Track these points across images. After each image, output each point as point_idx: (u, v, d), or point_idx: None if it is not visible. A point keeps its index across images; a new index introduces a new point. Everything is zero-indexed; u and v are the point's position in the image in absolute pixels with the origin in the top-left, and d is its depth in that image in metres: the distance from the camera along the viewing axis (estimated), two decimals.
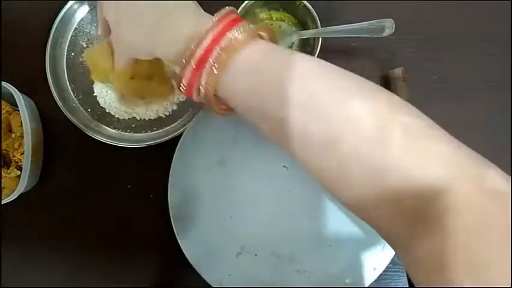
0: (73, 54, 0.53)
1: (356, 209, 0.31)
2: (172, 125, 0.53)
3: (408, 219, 0.27)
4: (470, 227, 0.23)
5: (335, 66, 0.32)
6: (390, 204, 0.28)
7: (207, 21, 0.33)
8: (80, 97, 0.53)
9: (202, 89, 0.33)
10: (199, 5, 0.40)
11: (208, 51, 0.32)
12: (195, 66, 0.32)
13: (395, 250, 0.30)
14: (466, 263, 0.22)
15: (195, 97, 0.35)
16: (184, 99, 0.53)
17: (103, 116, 0.53)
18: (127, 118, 0.53)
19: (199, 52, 0.32)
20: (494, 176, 0.26)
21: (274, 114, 0.31)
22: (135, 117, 0.53)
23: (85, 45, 0.54)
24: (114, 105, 0.53)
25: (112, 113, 0.53)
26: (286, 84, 0.30)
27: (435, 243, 0.24)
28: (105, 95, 0.53)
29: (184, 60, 0.33)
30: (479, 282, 0.21)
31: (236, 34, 0.32)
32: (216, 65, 0.32)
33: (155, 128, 0.53)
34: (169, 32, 0.35)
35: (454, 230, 0.23)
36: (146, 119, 0.53)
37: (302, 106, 0.30)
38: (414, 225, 0.26)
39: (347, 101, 0.29)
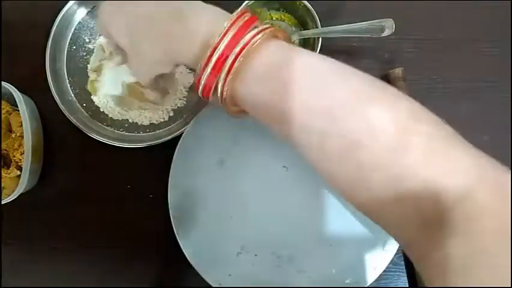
0: (74, 47, 0.54)
1: (370, 211, 0.31)
2: (172, 125, 0.53)
3: (426, 223, 0.27)
4: (491, 232, 0.24)
5: (355, 70, 0.31)
6: (408, 209, 0.27)
7: (222, 22, 0.32)
8: (77, 91, 0.53)
9: (218, 91, 0.33)
10: None
11: (225, 54, 0.31)
12: (211, 70, 0.32)
13: (406, 251, 0.30)
14: (487, 267, 0.23)
15: (210, 98, 0.34)
16: (176, 107, 0.53)
17: (96, 113, 0.53)
18: (120, 119, 0.53)
19: (216, 56, 0.31)
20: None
21: (291, 119, 0.30)
22: (127, 119, 0.53)
23: (87, 40, 0.54)
24: (109, 105, 0.53)
25: (106, 112, 0.53)
26: (306, 90, 0.30)
27: (456, 248, 0.24)
28: (99, 93, 0.53)
29: (201, 64, 0.32)
30: (500, 284, 0.22)
31: (253, 36, 0.31)
32: (232, 68, 0.31)
33: (148, 130, 0.53)
34: (187, 37, 0.34)
35: (476, 235, 0.24)
36: (139, 123, 0.53)
37: (322, 113, 0.29)
38: (432, 230, 0.26)
39: (367, 108, 0.29)
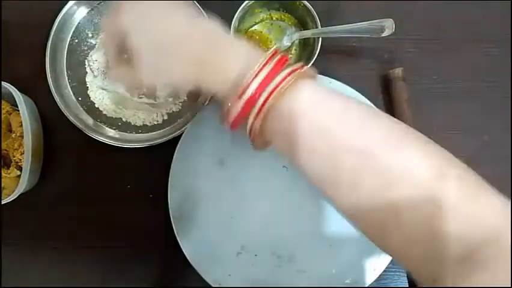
0: (76, 40, 0.54)
1: (399, 254, 0.31)
2: (171, 125, 0.53)
3: (452, 260, 0.28)
4: None
5: (381, 112, 0.33)
6: (435, 251, 0.28)
7: (255, 58, 0.33)
8: (74, 84, 0.53)
9: (248, 126, 0.34)
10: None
11: (258, 92, 0.32)
12: (243, 106, 0.33)
13: (415, 276, 0.31)
14: None
15: (237, 130, 0.35)
16: (170, 112, 0.53)
17: (91, 109, 0.53)
18: (114, 117, 0.53)
19: (248, 93, 0.32)
20: None
21: (322, 159, 0.31)
22: (121, 118, 0.53)
23: (90, 35, 0.54)
24: (104, 102, 0.53)
25: (101, 109, 0.53)
26: (338, 130, 0.31)
27: (481, 282, 0.26)
28: (95, 89, 0.53)
29: (232, 99, 0.33)
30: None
31: (285, 76, 0.32)
32: (265, 106, 0.32)
33: (140, 131, 0.53)
34: (217, 66, 0.34)
35: (502, 271, 0.26)
36: (132, 123, 0.53)
37: (356, 152, 0.30)
38: (458, 265, 0.27)
39: (402, 149, 0.30)
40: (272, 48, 0.34)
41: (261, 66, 0.32)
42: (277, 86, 0.32)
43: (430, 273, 0.29)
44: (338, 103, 0.32)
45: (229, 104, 0.33)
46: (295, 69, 0.33)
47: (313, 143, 0.31)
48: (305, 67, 0.34)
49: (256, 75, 0.32)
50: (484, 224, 0.27)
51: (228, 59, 0.34)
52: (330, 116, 0.31)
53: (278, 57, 0.33)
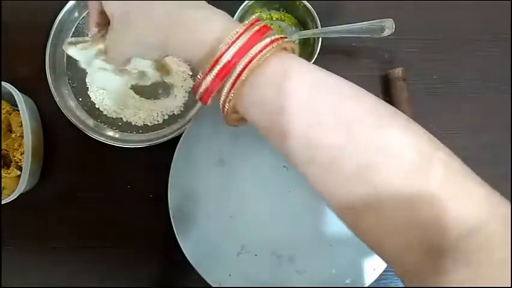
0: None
1: (371, 238, 0.30)
2: (171, 125, 0.53)
3: (432, 251, 0.27)
4: (499, 262, 0.24)
5: (365, 91, 0.30)
6: (415, 237, 0.27)
7: (234, 26, 0.31)
8: (75, 85, 0.53)
9: (222, 97, 0.31)
10: None
11: (234, 61, 0.30)
12: (216, 74, 0.30)
13: (402, 277, 0.29)
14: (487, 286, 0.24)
15: (209, 102, 0.33)
16: (171, 114, 0.53)
17: (91, 109, 0.53)
18: (114, 117, 0.53)
19: (223, 61, 0.30)
20: None
21: (297, 133, 0.29)
22: (121, 118, 0.53)
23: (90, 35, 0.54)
24: (104, 102, 0.53)
25: (101, 109, 0.53)
26: (318, 103, 0.29)
27: (463, 275, 0.25)
28: (95, 89, 0.53)
29: (205, 66, 0.31)
30: None
31: (264, 46, 0.30)
32: (241, 76, 0.30)
33: (140, 131, 0.53)
34: (192, 29, 0.32)
35: (485, 265, 0.25)
36: (132, 123, 0.53)
37: (337, 127, 0.28)
38: (438, 257, 0.26)
39: (385, 127, 0.28)
40: (252, 17, 0.32)
41: (238, 34, 0.30)
42: (256, 55, 0.29)
43: (411, 268, 0.28)
44: (322, 75, 0.30)
45: (202, 74, 0.31)
46: (277, 39, 0.30)
47: (293, 119, 0.29)
48: (287, 38, 0.32)
49: (232, 43, 0.30)
50: (465, 214, 0.26)
51: (202, 25, 0.32)
52: (312, 88, 0.29)
53: (258, 26, 0.31)
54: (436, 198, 0.26)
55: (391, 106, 0.30)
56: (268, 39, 0.30)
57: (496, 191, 0.28)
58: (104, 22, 0.38)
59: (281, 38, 0.31)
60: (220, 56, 0.30)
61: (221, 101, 0.32)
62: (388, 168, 0.27)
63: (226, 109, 0.32)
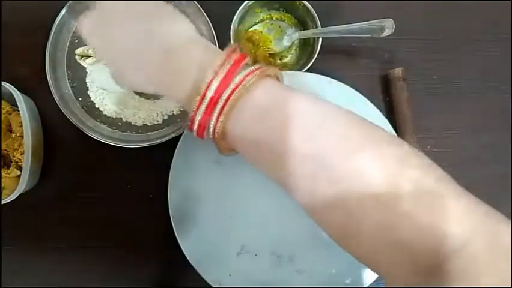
0: (76, 40, 0.54)
1: (362, 258, 0.31)
2: (171, 125, 0.53)
3: (420, 270, 0.27)
4: (484, 284, 0.24)
5: (345, 111, 0.31)
6: (400, 257, 0.27)
7: (212, 59, 0.31)
8: (74, 84, 0.53)
9: (210, 130, 0.33)
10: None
11: (217, 94, 0.31)
12: (204, 111, 0.31)
13: None
14: None
15: (204, 136, 0.34)
16: (170, 114, 0.53)
17: (91, 109, 0.53)
18: (114, 117, 0.53)
19: (208, 98, 0.31)
20: (508, 232, 0.26)
21: (282, 163, 0.30)
22: (121, 118, 0.53)
23: None
24: (104, 102, 0.53)
25: (101, 109, 0.53)
26: (296, 133, 0.30)
27: None
28: (95, 89, 0.53)
29: (193, 105, 0.32)
30: None
31: (243, 78, 0.31)
32: (224, 109, 0.31)
33: (140, 131, 0.53)
34: (176, 74, 0.33)
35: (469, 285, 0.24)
36: (132, 123, 0.53)
37: (310, 159, 0.29)
38: (427, 276, 0.26)
39: (356, 154, 0.29)
40: (228, 48, 0.32)
41: (218, 67, 0.31)
42: (236, 88, 0.30)
43: (398, 284, 0.28)
44: (299, 103, 0.31)
45: (192, 111, 0.32)
46: (256, 69, 0.32)
47: (271, 149, 0.31)
48: (268, 67, 0.33)
49: (213, 79, 0.31)
50: (445, 232, 0.26)
51: (185, 61, 0.33)
52: (287, 120, 0.30)
53: (235, 57, 0.32)
54: (412, 216, 0.26)
55: (369, 122, 0.31)
56: (247, 70, 0.31)
57: (480, 202, 0.27)
58: None
59: (259, 68, 0.32)
60: (205, 92, 0.31)
61: (211, 132, 0.33)
62: (360, 193, 0.28)
63: (215, 138, 0.33)
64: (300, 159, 0.29)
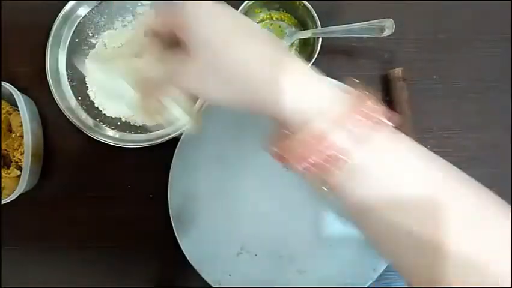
0: (76, 40, 0.54)
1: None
2: (171, 125, 0.53)
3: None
4: None
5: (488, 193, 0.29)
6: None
7: (337, 99, 0.28)
8: (74, 84, 0.53)
9: (310, 169, 0.28)
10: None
11: (338, 149, 0.27)
12: (324, 159, 0.27)
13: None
14: None
15: (294, 169, 0.30)
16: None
17: (91, 109, 0.53)
18: (113, 116, 0.53)
19: (333, 148, 0.27)
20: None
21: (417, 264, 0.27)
22: (120, 118, 0.53)
23: (90, 34, 0.54)
24: (104, 102, 0.53)
25: (100, 109, 0.53)
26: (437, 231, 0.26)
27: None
28: (95, 89, 0.53)
29: (306, 142, 0.27)
30: None
31: (372, 133, 0.27)
32: (344, 166, 0.27)
33: (139, 131, 0.53)
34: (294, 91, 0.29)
35: None
36: (131, 123, 0.53)
37: (460, 263, 0.26)
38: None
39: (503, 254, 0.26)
40: (356, 92, 0.29)
41: (346, 117, 0.27)
42: (361, 142, 0.27)
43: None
44: (419, 163, 0.30)
45: (300, 144, 0.28)
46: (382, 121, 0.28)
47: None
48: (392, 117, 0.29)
49: (339, 129, 0.27)
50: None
51: (300, 92, 0.29)
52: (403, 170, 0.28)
53: (366, 110, 0.28)
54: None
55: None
56: (376, 127, 0.28)
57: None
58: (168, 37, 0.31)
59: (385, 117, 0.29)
60: (322, 137, 0.27)
61: (308, 170, 0.28)
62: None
63: (311, 179, 0.29)
64: (446, 266, 0.26)
